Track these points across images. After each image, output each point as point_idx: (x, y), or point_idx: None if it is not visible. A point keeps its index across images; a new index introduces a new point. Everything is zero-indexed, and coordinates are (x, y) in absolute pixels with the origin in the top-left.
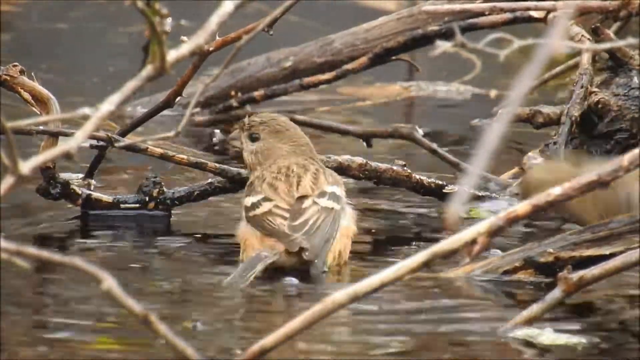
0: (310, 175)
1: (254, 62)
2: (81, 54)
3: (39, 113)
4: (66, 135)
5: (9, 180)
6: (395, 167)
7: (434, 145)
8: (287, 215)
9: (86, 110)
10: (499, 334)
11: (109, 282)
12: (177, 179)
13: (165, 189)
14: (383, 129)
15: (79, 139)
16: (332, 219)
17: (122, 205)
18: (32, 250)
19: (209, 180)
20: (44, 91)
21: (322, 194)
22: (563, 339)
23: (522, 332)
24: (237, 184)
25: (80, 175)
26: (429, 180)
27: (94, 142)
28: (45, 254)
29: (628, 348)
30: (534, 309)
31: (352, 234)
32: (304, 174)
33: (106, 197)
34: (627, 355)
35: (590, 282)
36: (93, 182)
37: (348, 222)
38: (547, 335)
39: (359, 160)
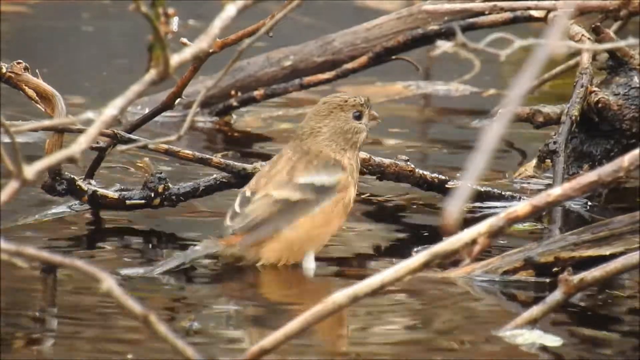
0: (285, 162)
1: (253, 62)
2: (84, 54)
3: (43, 110)
4: (71, 132)
5: (13, 185)
6: (399, 162)
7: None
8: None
9: (89, 114)
10: (491, 335)
11: (109, 282)
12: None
13: (170, 185)
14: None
15: (82, 144)
16: (287, 211)
17: (127, 202)
18: (32, 250)
19: (214, 175)
20: (49, 88)
21: (283, 185)
22: (542, 339)
23: (510, 333)
24: (242, 179)
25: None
26: (432, 176)
27: (95, 142)
28: (45, 254)
29: (605, 346)
30: (534, 310)
31: (319, 225)
32: (279, 160)
33: (112, 194)
34: (607, 356)
35: (591, 283)
36: (93, 182)
37: (314, 213)
38: (528, 336)
39: (363, 155)
